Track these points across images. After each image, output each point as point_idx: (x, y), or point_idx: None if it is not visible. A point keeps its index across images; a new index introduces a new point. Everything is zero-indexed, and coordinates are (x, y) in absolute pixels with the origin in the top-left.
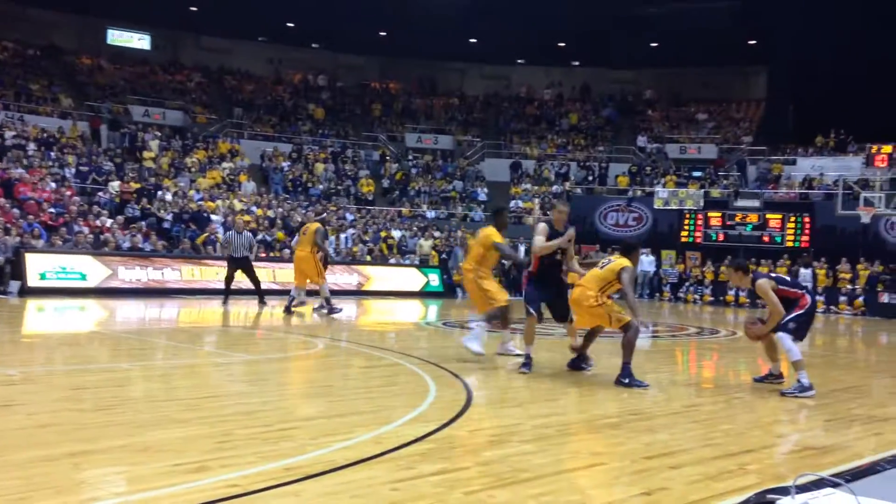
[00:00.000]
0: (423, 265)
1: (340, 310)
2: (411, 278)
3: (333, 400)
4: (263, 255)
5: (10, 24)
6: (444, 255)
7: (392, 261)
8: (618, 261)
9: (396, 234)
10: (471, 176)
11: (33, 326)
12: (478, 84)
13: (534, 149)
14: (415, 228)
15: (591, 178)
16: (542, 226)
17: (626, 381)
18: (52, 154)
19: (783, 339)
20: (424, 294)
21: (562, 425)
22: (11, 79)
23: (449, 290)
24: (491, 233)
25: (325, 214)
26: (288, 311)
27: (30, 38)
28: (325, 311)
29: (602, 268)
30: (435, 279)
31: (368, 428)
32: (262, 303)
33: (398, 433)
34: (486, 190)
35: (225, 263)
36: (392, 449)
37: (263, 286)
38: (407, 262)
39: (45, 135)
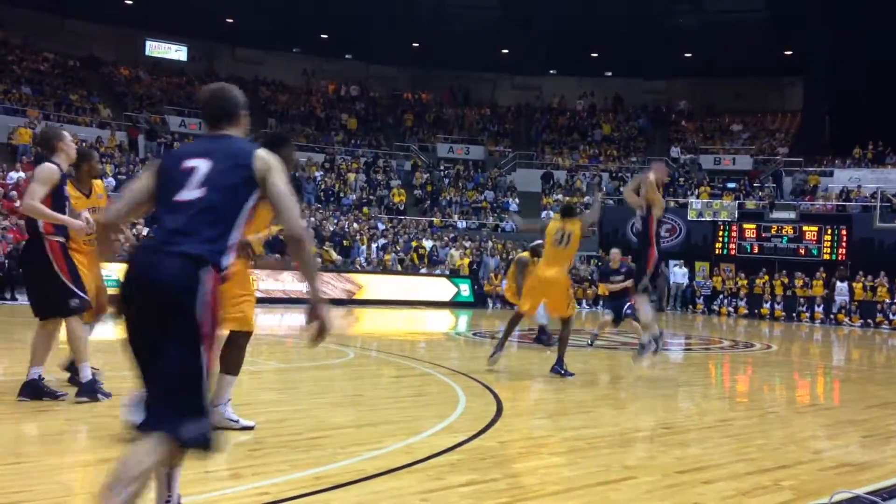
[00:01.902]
0: (454, 275)
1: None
2: (442, 288)
3: (363, 409)
4: (296, 264)
5: (51, 36)
6: (474, 266)
7: (423, 270)
8: (571, 226)
9: (427, 243)
10: (502, 186)
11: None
12: (509, 95)
13: (566, 159)
14: (446, 238)
15: (623, 188)
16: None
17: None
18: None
19: None
20: (455, 304)
21: (593, 438)
22: (52, 89)
23: (479, 300)
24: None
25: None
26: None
27: (70, 49)
28: None
29: (565, 244)
30: (465, 289)
31: (398, 438)
32: None
33: (428, 443)
34: (517, 200)
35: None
36: (422, 459)
37: (295, 294)
38: (437, 272)
39: (84, 144)
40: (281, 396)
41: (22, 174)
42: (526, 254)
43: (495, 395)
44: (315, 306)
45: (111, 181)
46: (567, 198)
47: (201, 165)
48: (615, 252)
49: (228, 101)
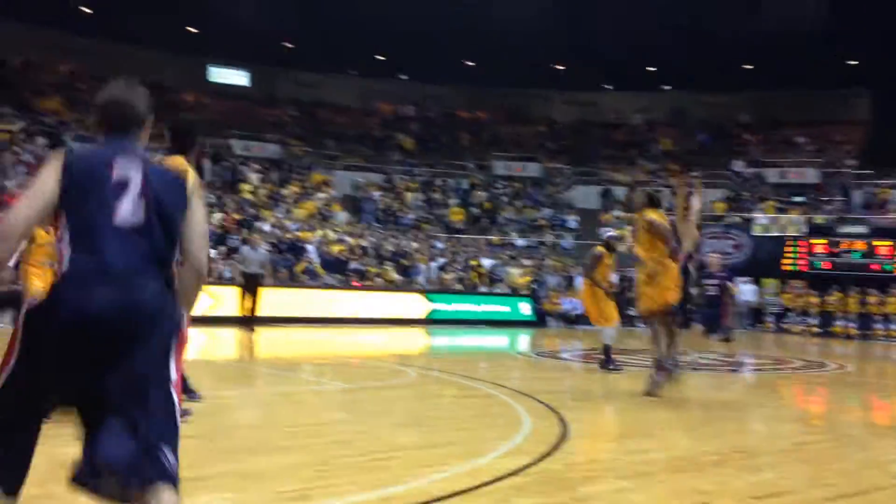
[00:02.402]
0: (514, 294)
1: None
2: (501, 307)
3: (427, 430)
4: (357, 284)
5: (119, 63)
6: (534, 284)
7: (482, 289)
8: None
9: (486, 262)
10: (560, 203)
11: None
12: (566, 111)
13: (625, 175)
14: (505, 256)
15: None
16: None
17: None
18: None
19: None
20: (515, 323)
21: (662, 461)
22: None
23: (540, 319)
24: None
25: None
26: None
27: (137, 76)
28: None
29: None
30: (526, 308)
31: (463, 459)
32: (250, 329)
33: (493, 465)
34: (576, 217)
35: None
36: (488, 482)
37: (353, 314)
38: (497, 290)
39: None
40: (346, 416)
41: None
42: (600, 247)
43: (560, 417)
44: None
45: None
46: (628, 214)
47: (133, 179)
48: (715, 256)
49: (141, 104)
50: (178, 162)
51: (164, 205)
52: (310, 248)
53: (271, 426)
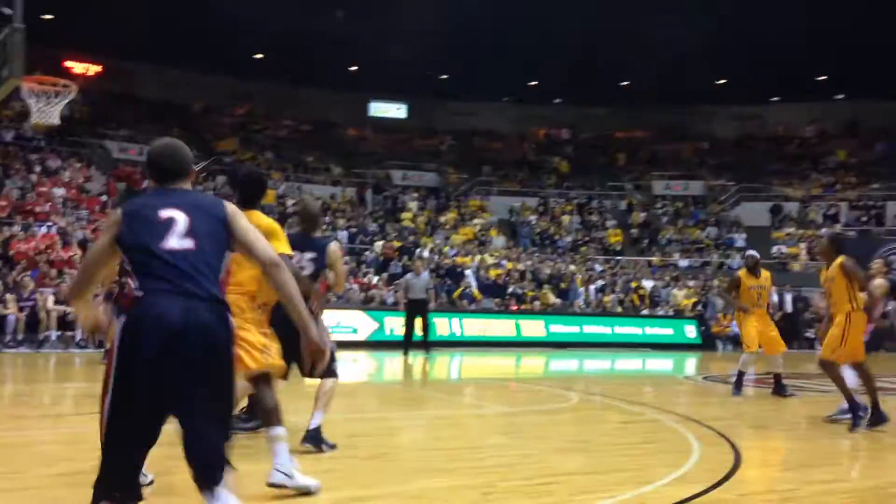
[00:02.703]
0: (678, 316)
1: None
2: (664, 330)
3: (592, 455)
4: (514, 307)
5: (288, 104)
6: (700, 306)
7: (644, 312)
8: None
9: (647, 284)
10: (725, 222)
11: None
12: (728, 126)
13: (796, 190)
14: (667, 278)
15: (865, 218)
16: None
17: None
18: (327, 219)
19: None
20: (680, 346)
21: (846, 492)
22: (290, 153)
23: (707, 342)
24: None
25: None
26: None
27: (305, 115)
28: None
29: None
30: (691, 331)
31: (629, 487)
32: (428, 353)
33: (661, 493)
34: (743, 235)
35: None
36: None
37: (511, 338)
38: (660, 313)
39: (319, 201)
40: (508, 441)
41: None
42: (742, 270)
43: (732, 444)
44: (304, 332)
45: (344, 234)
46: (800, 230)
47: (178, 217)
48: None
49: (184, 157)
50: (255, 215)
51: (208, 231)
52: (468, 272)
53: (435, 449)
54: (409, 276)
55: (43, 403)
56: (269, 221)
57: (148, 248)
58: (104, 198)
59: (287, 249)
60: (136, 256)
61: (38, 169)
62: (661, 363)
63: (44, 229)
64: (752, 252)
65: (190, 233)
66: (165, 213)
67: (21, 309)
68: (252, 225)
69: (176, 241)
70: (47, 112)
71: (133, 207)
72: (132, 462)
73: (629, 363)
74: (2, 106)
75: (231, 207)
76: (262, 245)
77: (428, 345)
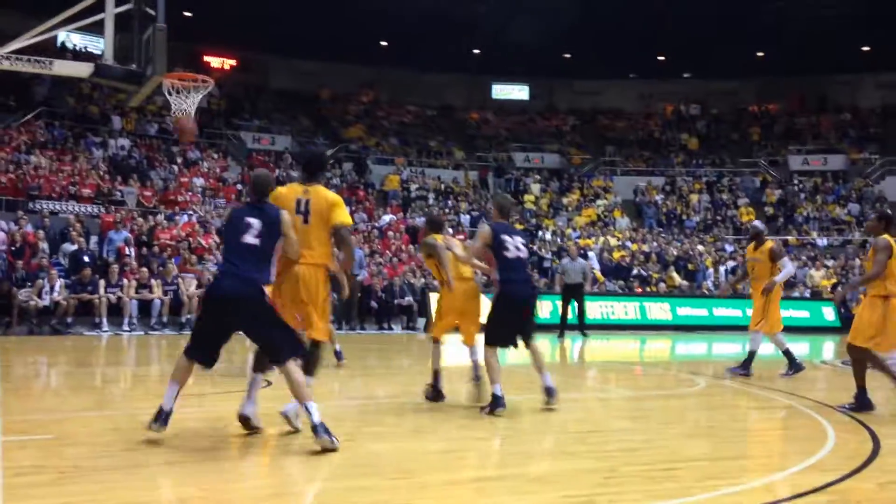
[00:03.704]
0: (815, 297)
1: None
2: (801, 312)
3: (719, 441)
4: (639, 290)
5: (411, 90)
6: (839, 287)
7: None
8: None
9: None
10: (869, 198)
11: None
12: (873, 95)
13: None
14: (804, 258)
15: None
16: None
17: None
18: (449, 202)
19: None
20: (816, 329)
21: None
22: (414, 138)
23: (847, 324)
24: None
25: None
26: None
27: (427, 100)
28: None
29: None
30: (829, 313)
31: (758, 473)
32: (584, 335)
33: (792, 481)
34: (889, 211)
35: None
36: (785, 499)
37: (636, 321)
38: (796, 294)
39: (442, 185)
40: (633, 425)
41: (392, 216)
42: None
43: (871, 432)
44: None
45: (466, 217)
46: None
47: (254, 223)
48: None
49: (268, 184)
50: (318, 189)
51: (269, 233)
52: (591, 255)
53: (560, 431)
54: (564, 260)
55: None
56: (332, 194)
57: (230, 241)
58: (240, 186)
59: (347, 219)
60: (226, 247)
61: (179, 160)
62: (796, 347)
63: (185, 218)
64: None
65: (259, 235)
66: (247, 220)
67: (165, 293)
68: (290, 220)
69: (249, 238)
70: (187, 106)
71: (232, 215)
72: (210, 348)
73: (763, 346)
74: (145, 101)
75: (284, 218)
76: (290, 240)
77: (584, 327)
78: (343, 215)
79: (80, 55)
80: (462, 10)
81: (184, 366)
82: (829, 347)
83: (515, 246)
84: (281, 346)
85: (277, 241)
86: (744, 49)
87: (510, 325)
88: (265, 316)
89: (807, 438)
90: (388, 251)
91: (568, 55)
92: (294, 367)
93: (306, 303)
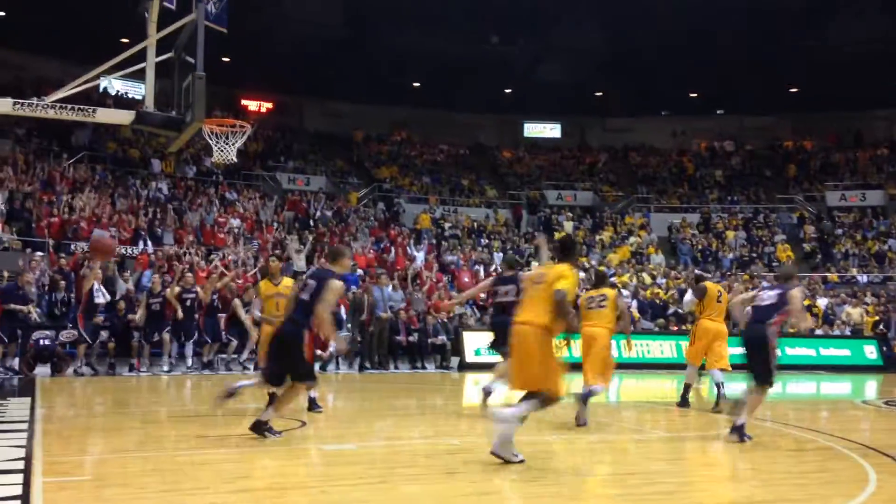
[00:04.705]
0: (856, 335)
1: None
2: (841, 350)
3: (759, 484)
4: (674, 328)
5: (444, 129)
6: (881, 325)
7: (818, 332)
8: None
9: (822, 301)
10: None
11: (471, 399)
12: None
13: None
14: (843, 295)
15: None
16: None
17: None
18: (482, 240)
19: None
20: (857, 368)
21: None
22: (447, 176)
23: (890, 363)
24: None
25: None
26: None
27: (459, 139)
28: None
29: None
30: (871, 351)
31: None
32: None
33: None
34: None
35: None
36: None
37: (668, 360)
38: (836, 332)
39: (475, 224)
40: (669, 467)
41: (421, 255)
42: None
43: None
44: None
45: (498, 255)
46: None
47: (311, 283)
48: None
49: (341, 254)
50: (559, 268)
51: (317, 290)
52: (625, 292)
53: (595, 473)
54: None
55: (220, 423)
56: (566, 269)
57: (297, 296)
58: (275, 226)
59: (569, 288)
60: (297, 300)
61: (216, 201)
62: (837, 386)
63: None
64: None
65: (311, 294)
66: (309, 282)
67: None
68: (336, 289)
69: (305, 295)
70: (226, 150)
71: (309, 275)
72: (278, 379)
73: (802, 386)
74: (184, 145)
75: (332, 287)
76: (323, 306)
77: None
78: (566, 284)
79: (121, 101)
80: (493, 50)
81: None
82: (871, 386)
83: None
84: (296, 373)
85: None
86: (778, 85)
87: None
88: (300, 352)
89: (848, 481)
90: (421, 289)
91: (599, 93)
92: None
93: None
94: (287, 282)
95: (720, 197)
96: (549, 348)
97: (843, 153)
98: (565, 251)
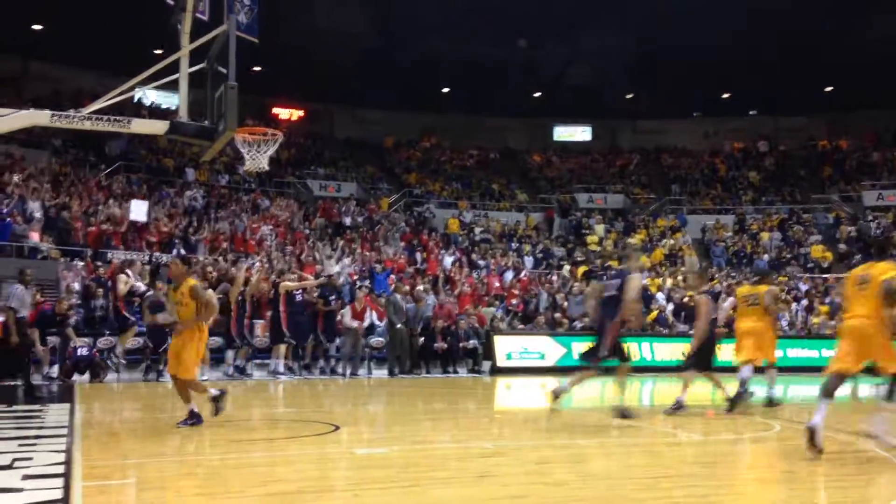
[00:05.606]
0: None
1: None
2: None
3: (796, 488)
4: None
5: (474, 133)
6: None
7: None
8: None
9: None
10: None
11: (502, 403)
12: None
13: None
14: None
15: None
16: None
17: None
18: (513, 245)
19: None
20: None
21: None
22: (477, 181)
23: None
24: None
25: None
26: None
27: (489, 143)
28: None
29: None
30: None
31: None
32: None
33: None
34: None
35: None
36: None
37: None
38: None
39: (506, 228)
40: (703, 470)
41: (452, 258)
42: None
43: None
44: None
45: (529, 260)
46: None
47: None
48: None
49: (627, 255)
50: (882, 265)
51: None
52: (659, 295)
53: (628, 477)
54: None
55: (255, 427)
56: (889, 266)
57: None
58: (307, 232)
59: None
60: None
61: (248, 208)
62: (875, 390)
63: (251, 261)
64: None
65: (617, 286)
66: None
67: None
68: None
69: (609, 289)
70: (258, 158)
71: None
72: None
73: (840, 389)
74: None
75: (632, 278)
76: (630, 297)
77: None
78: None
79: (154, 111)
80: (522, 55)
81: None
82: None
83: None
84: None
85: None
86: (812, 84)
87: None
88: None
89: (889, 483)
90: (453, 293)
91: (630, 95)
92: None
93: None
94: (184, 289)
95: (754, 198)
96: (886, 337)
97: (880, 152)
98: (881, 251)
